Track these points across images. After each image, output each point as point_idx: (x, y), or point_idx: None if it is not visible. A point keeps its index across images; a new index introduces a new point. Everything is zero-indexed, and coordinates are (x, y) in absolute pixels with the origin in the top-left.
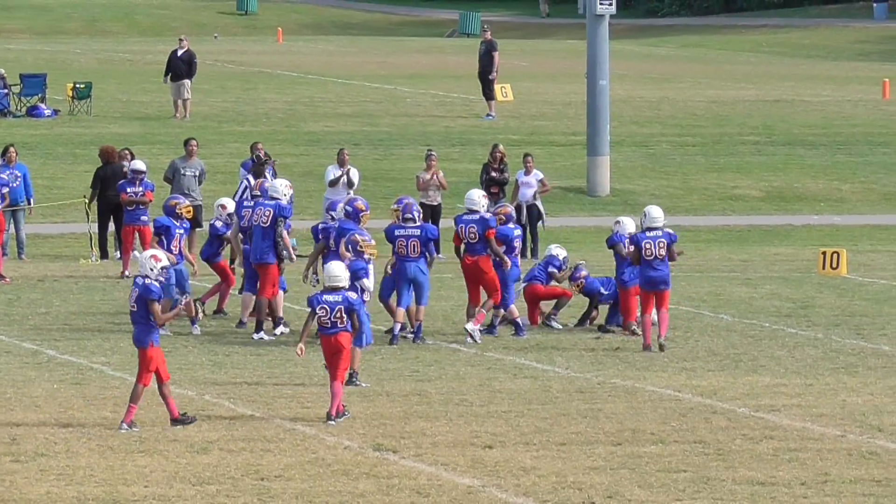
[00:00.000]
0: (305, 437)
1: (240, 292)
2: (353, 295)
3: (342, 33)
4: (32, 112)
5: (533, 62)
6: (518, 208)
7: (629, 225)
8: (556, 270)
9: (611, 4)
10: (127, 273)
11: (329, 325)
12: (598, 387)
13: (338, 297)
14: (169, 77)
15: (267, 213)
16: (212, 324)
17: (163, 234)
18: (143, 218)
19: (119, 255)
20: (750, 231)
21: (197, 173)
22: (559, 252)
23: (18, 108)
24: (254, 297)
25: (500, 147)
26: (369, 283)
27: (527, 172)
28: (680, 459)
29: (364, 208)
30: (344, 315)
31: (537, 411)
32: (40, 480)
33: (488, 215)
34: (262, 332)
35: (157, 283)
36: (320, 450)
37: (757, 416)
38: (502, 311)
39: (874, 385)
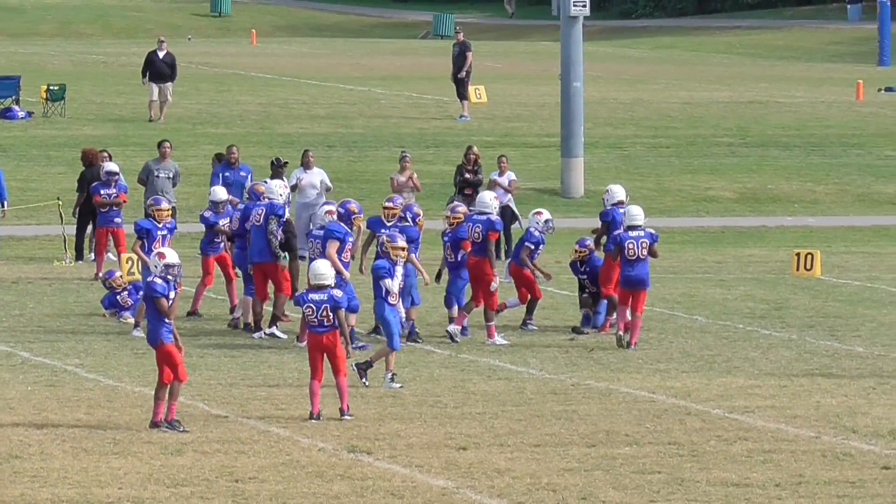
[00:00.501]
0: (280, 439)
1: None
2: (338, 293)
3: (316, 35)
4: (6, 114)
5: (507, 64)
6: None
7: (619, 193)
8: (532, 246)
9: (584, 6)
10: (101, 275)
11: (316, 324)
12: (573, 388)
13: (323, 296)
14: (147, 78)
15: (259, 212)
16: (185, 325)
17: (144, 237)
18: (117, 220)
19: (93, 258)
20: (724, 232)
21: (171, 175)
22: (539, 218)
23: None
24: (251, 300)
25: (474, 149)
26: (392, 284)
27: (500, 173)
28: (654, 461)
29: (357, 211)
30: (330, 313)
31: (511, 413)
32: (14, 482)
33: (495, 217)
34: (275, 328)
35: (159, 281)
36: (294, 451)
37: (731, 418)
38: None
39: (848, 386)
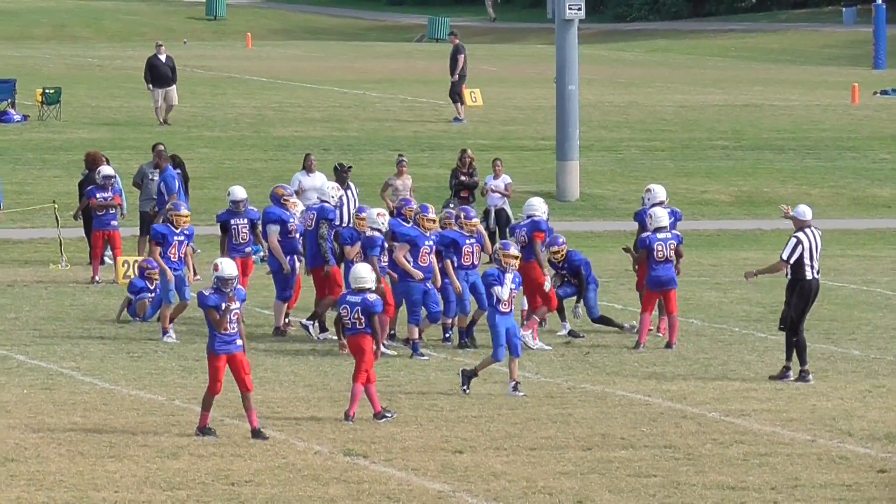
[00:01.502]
0: (276, 443)
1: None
2: (372, 297)
3: (311, 38)
4: (1, 117)
5: (502, 67)
6: (486, 213)
7: (661, 193)
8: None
9: (579, 9)
10: (97, 278)
11: (350, 326)
12: (568, 392)
13: (358, 299)
14: (151, 83)
15: (311, 216)
16: (182, 328)
17: (161, 242)
18: (114, 223)
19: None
20: (719, 235)
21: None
22: (539, 208)
23: None
24: (284, 305)
25: (469, 151)
26: (502, 291)
27: (495, 176)
28: (650, 464)
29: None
30: (362, 316)
31: (507, 416)
32: (10, 486)
33: (538, 217)
34: (311, 323)
35: (209, 292)
36: (290, 455)
37: (727, 421)
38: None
39: (844, 389)
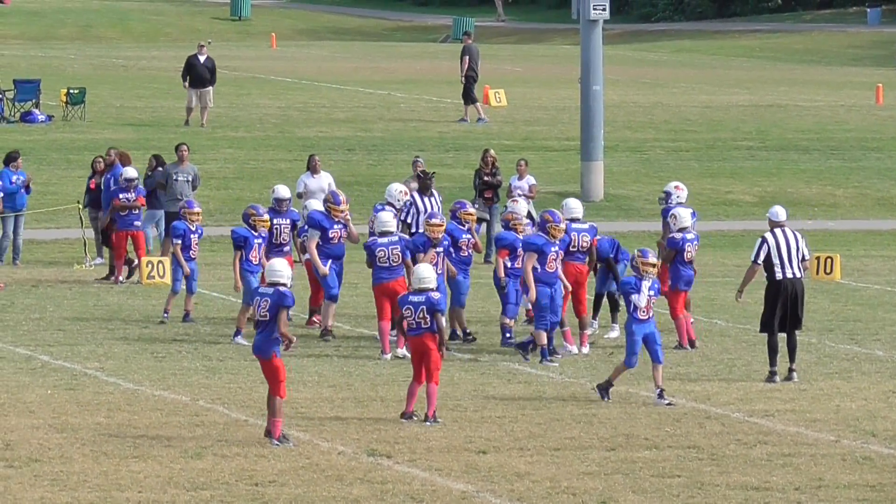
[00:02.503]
0: (300, 443)
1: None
2: (436, 295)
3: (336, 39)
4: (26, 118)
5: (526, 68)
6: None
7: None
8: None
9: (604, 10)
10: (121, 279)
11: (414, 326)
12: (592, 392)
13: (422, 298)
14: (188, 83)
15: (373, 219)
16: (206, 329)
17: (242, 245)
18: (137, 223)
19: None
20: (744, 236)
21: (190, 178)
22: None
23: (12, 113)
24: (333, 305)
25: (491, 151)
26: (640, 299)
27: (520, 177)
28: (674, 465)
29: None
30: (427, 315)
31: (531, 416)
32: (34, 486)
33: (587, 224)
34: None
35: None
36: (314, 455)
37: (751, 422)
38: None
39: (868, 390)
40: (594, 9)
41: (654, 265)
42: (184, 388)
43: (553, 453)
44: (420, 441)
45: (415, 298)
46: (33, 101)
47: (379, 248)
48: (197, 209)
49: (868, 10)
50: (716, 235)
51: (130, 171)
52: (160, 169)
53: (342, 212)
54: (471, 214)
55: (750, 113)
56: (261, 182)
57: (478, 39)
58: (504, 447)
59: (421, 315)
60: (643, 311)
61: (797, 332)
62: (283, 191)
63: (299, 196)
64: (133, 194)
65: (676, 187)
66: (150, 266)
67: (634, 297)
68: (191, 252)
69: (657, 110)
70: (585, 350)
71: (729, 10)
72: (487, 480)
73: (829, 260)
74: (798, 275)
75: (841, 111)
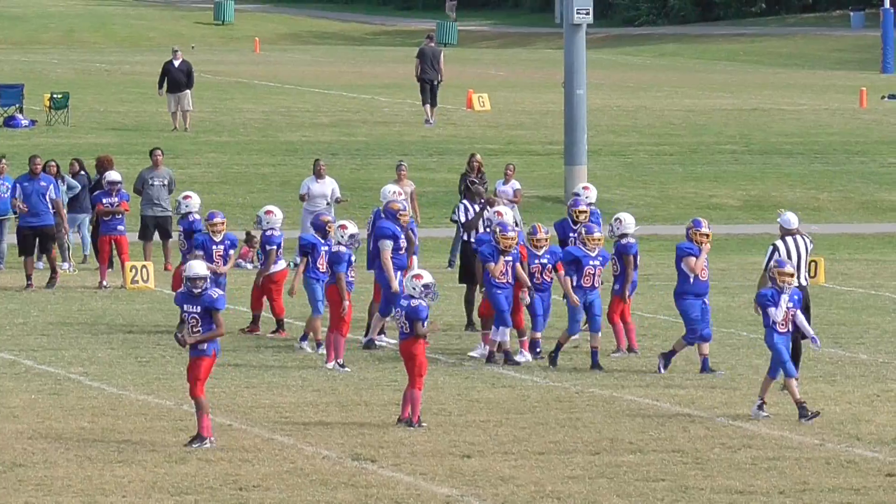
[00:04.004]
0: (283, 447)
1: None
2: (415, 303)
3: (319, 43)
4: (9, 122)
5: (510, 72)
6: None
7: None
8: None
9: (588, 14)
10: (105, 283)
11: (404, 330)
12: (577, 396)
13: (405, 303)
14: (164, 89)
15: (370, 219)
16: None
17: (310, 253)
18: (120, 227)
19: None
20: (727, 240)
21: (166, 182)
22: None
23: None
24: (384, 319)
25: (477, 156)
26: (777, 312)
27: (505, 182)
28: (658, 468)
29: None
30: (406, 321)
31: (515, 421)
32: (18, 491)
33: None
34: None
35: (420, 302)
36: (298, 459)
37: (735, 425)
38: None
39: (852, 394)
40: (577, 13)
41: (791, 275)
42: (168, 392)
43: (537, 457)
44: (404, 445)
45: (403, 303)
46: (16, 105)
47: None
48: (218, 220)
49: (851, 13)
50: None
51: (114, 175)
52: (83, 173)
53: (407, 217)
54: (544, 240)
55: (734, 117)
56: (244, 186)
57: (462, 43)
58: (488, 451)
59: (404, 320)
60: (781, 325)
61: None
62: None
63: (301, 199)
64: (116, 198)
65: (585, 188)
66: (133, 270)
67: (772, 310)
68: (213, 264)
69: (641, 114)
70: (529, 357)
71: (712, 14)
72: (472, 485)
73: (813, 263)
74: (804, 283)
75: (825, 115)
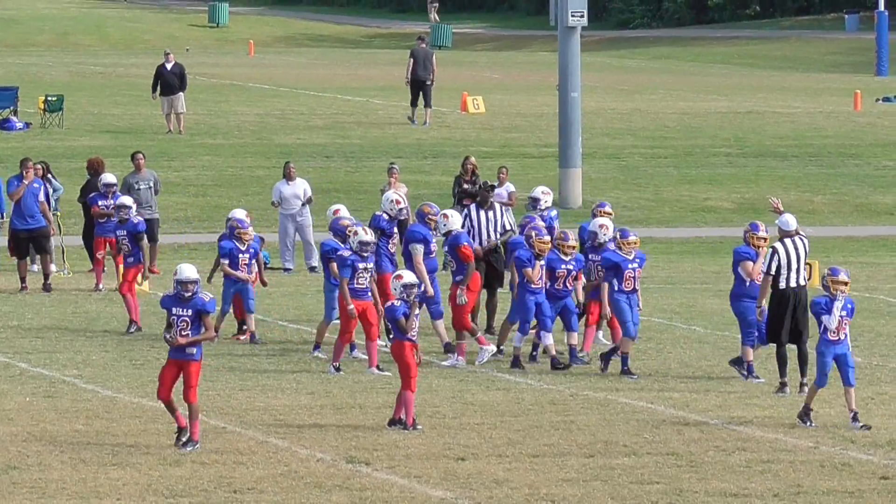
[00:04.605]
0: (278, 450)
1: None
2: (396, 303)
3: (314, 46)
4: (4, 125)
5: (505, 74)
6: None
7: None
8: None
9: (582, 16)
10: (100, 286)
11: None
12: (571, 399)
13: (390, 305)
14: (158, 92)
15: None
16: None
17: (332, 259)
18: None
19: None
20: (722, 242)
21: (151, 184)
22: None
23: None
24: (441, 321)
25: (472, 159)
26: (831, 320)
27: (499, 184)
28: (652, 471)
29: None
30: (389, 323)
31: (510, 423)
32: (12, 494)
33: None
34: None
35: (398, 303)
36: (293, 462)
37: (729, 428)
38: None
39: (846, 397)
40: (572, 16)
41: (845, 283)
42: None
43: (532, 460)
44: (399, 448)
45: (387, 304)
46: (11, 108)
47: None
48: (249, 229)
49: (846, 16)
50: (694, 242)
51: (109, 178)
52: (48, 176)
53: (437, 221)
54: (573, 247)
55: (728, 120)
56: (239, 189)
57: (456, 46)
58: (483, 454)
59: (386, 322)
60: (834, 333)
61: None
62: (240, 213)
63: (273, 205)
64: (111, 201)
65: (545, 192)
66: None
67: (825, 318)
68: (239, 271)
69: (635, 117)
70: (462, 361)
71: (707, 17)
72: (466, 487)
73: (807, 266)
74: (802, 283)
75: (819, 118)
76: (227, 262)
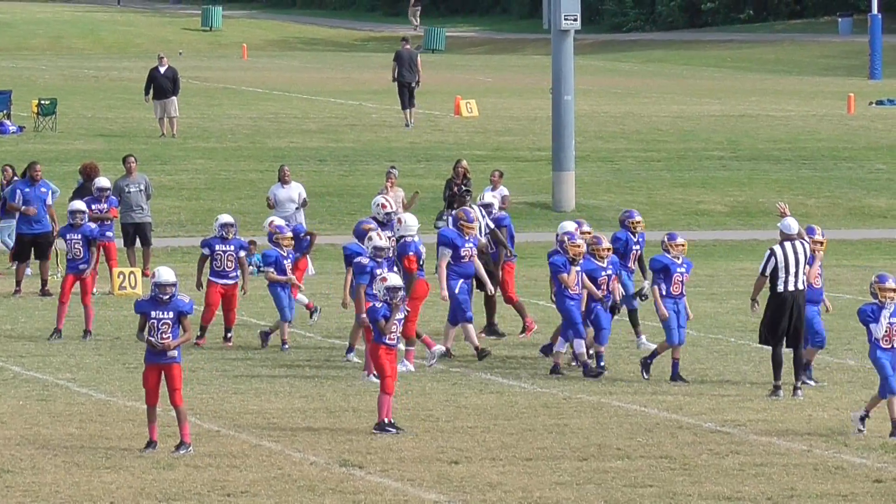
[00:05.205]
0: (271, 453)
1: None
2: (378, 304)
3: (307, 49)
4: None
5: (498, 78)
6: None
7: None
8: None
9: (575, 20)
10: (94, 290)
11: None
12: (564, 402)
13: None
14: (151, 96)
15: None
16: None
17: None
18: (109, 234)
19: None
20: (715, 246)
21: (142, 187)
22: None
23: None
24: (470, 326)
25: (463, 162)
26: (878, 329)
27: (493, 188)
28: (646, 474)
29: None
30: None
31: (503, 427)
32: (6, 497)
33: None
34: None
35: (379, 304)
36: (286, 465)
37: (723, 431)
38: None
39: (840, 400)
40: (565, 19)
41: (894, 290)
42: None
43: (525, 463)
44: (392, 451)
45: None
46: (4, 111)
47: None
48: (288, 234)
49: (839, 19)
50: (688, 245)
51: (103, 182)
52: (17, 179)
53: (473, 229)
54: (608, 249)
55: (721, 123)
56: (232, 193)
57: (450, 49)
58: (476, 457)
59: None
60: (885, 340)
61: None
62: (228, 218)
63: (269, 206)
64: (105, 205)
65: (494, 197)
66: (121, 277)
67: (873, 326)
68: (286, 276)
69: (628, 120)
70: (411, 367)
71: (700, 20)
72: (459, 491)
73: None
74: (801, 287)
75: (812, 121)
76: (272, 269)
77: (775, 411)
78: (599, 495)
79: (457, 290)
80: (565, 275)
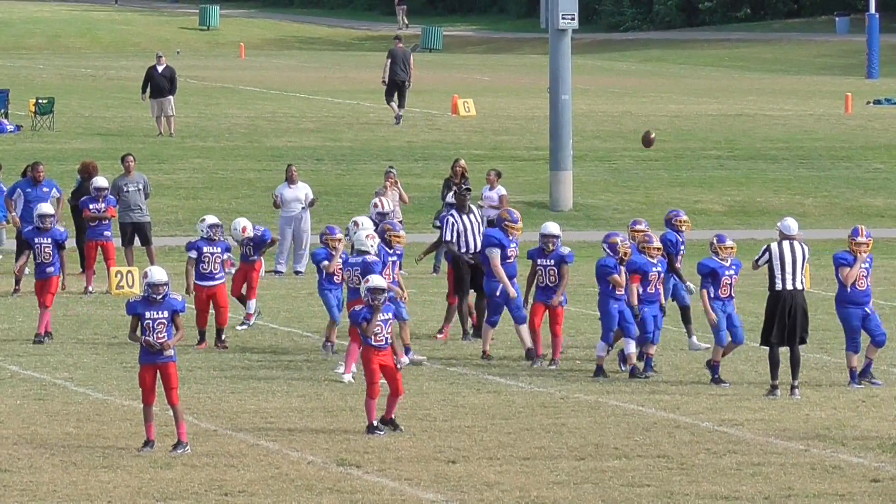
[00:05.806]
0: (269, 453)
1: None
2: (358, 307)
3: (305, 48)
4: None
5: (495, 77)
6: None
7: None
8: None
9: (573, 19)
10: (91, 289)
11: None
12: (562, 401)
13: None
14: (147, 94)
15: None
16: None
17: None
18: (107, 233)
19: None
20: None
21: (141, 187)
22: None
23: None
24: (492, 330)
25: (461, 161)
26: None
27: (491, 188)
28: (643, 474)
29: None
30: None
31: (500, 426)
32: (3, 497)
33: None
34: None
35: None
36: (284, 465)
37: (720, 431)
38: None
39: (837, 399)
40: (563, 18)
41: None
42: None
43: (523, 463)
44: (390, 451)
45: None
46: (2, 110)
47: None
48: (338, 235)
49: (836, 18)
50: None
51: (101, 181)
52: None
53: (518, 230)
54: (658, 248)
55: (719, 122)
56: (230, 192)
57: (447, 49)
58: (474, 457)
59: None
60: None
61: (800, 347)
62: (214, 219)
63: (275, 206)
64: (103, 204)
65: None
66: (118, 276)
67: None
68: (335, 277)
69: (626, 119)
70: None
71: (698, 20)
72: (457, 490)
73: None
74: (800, 287)
75: (810, 120)
76: (326, 262)
77: (772, 410)
78: (597, 494)
79: (498, 293)
80: (616, 276)
